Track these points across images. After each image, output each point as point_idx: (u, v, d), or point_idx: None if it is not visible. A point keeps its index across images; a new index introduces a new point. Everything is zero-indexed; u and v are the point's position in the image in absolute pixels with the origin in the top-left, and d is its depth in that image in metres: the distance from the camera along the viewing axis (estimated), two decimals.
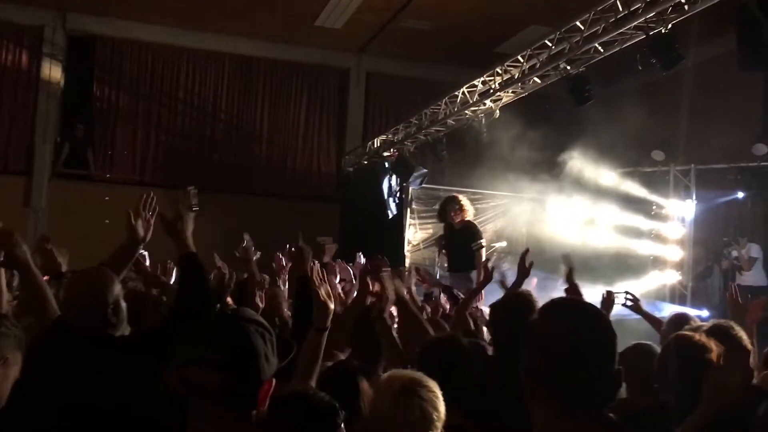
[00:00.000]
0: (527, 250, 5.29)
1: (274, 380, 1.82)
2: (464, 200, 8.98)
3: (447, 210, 8.95)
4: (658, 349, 4.04)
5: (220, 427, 1.74)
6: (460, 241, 8.64)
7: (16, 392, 2.70)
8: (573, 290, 4.69)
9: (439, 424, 2.42)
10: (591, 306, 1.75)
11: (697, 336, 3.16)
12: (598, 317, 1.65)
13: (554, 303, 1.84)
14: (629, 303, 5.55)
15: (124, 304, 2.99)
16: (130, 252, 3.62)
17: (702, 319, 6.77)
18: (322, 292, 3.04)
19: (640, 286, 10.51)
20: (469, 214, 8.95)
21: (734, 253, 10.30)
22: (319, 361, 2.95)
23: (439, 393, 2.46)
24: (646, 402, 3.33)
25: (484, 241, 8.65)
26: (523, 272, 5.10)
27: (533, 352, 1.63)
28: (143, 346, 2.80)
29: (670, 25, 6.58)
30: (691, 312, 7.54)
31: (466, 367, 2.98)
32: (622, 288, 10.15)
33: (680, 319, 4.57)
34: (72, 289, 2.99)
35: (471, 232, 8.60)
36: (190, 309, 2.78)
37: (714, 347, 2.97)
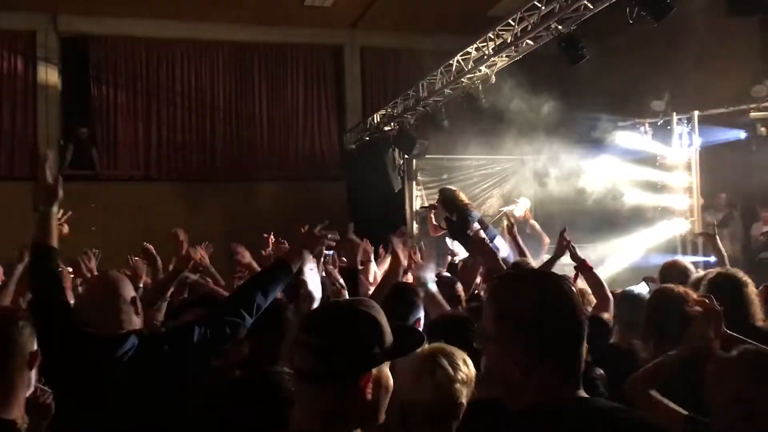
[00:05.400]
0: (564, 229, 5.16)
1: (375, 371, 1.79)
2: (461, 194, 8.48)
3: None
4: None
5: (315, 412, 1.77)
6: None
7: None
8: (582, 265, 4.73)
9: (462, 388, 2.53)
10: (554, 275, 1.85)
11: (676, 288, 3.37)
12: (561, 285, 1.73)
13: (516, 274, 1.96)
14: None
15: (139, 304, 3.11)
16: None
17: (710, 265, 6.84)
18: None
19: (651, 238, 10.56)
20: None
21: (754, 230, 10.20)
22: None
23: (460, 358, 2.57)
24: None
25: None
26: (562, 249, 5.06)
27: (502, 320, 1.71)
28: (171, 340, 2.91)
29: None
30: (695, 259, 7.62)
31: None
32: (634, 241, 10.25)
33: (671, 267, 4.73)
34: (88, 291, 3.12)
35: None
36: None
37: (694, 296, 3.19)
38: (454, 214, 8.02)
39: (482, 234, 7.32)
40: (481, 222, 8.14)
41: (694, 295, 3.33)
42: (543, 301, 1.68)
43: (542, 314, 1.66)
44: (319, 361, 1.74)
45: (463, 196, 8.41)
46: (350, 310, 1.84)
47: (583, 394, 1.67)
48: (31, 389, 2.47)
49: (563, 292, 1.70)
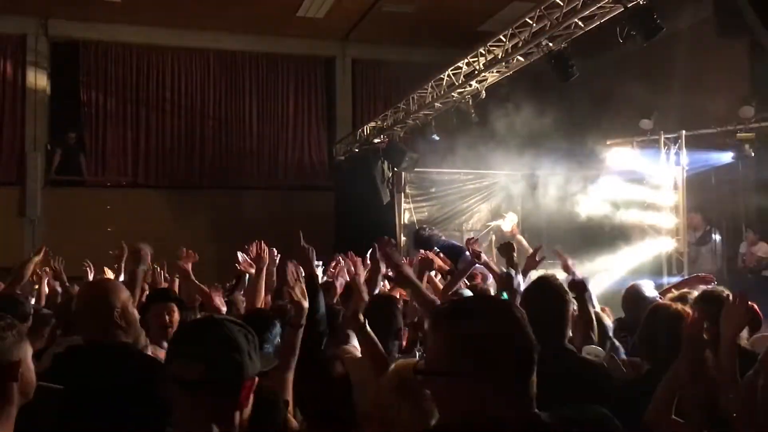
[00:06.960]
0: (540, 246, 5.19)
1: (256, 379, 1.87)
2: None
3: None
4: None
5: (196, 421, 1.79)
6: None
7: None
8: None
9: None
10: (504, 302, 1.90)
11: (674, 305, 3.34)
12: (513, 312, 1.74)
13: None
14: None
15: (134, 312, 3.07)
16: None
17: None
18: (297, 291, 3.11)
19: (637, 256, 10.57)
20: None
21: (742, 248, 10.30)
22: (296, 355, 3.02)
23: None
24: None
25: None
26: (532, 266, 5.03)
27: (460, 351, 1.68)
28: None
29: None
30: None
31: None
32: (620, 259, 10.28)
33: (627, 294, 4.75)
34: (80, 297, 3.09)
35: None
36: None
37: (690, 312, 3.15)
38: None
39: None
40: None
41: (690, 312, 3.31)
42: (496, 330, 1.67)
43: (496, 344, 1.65)
44: (204, 369, 1.78)
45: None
46: (225, 321, 1.93)
47: (535, 410, 1.68)
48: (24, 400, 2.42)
49: (515, 319, 1.70)
